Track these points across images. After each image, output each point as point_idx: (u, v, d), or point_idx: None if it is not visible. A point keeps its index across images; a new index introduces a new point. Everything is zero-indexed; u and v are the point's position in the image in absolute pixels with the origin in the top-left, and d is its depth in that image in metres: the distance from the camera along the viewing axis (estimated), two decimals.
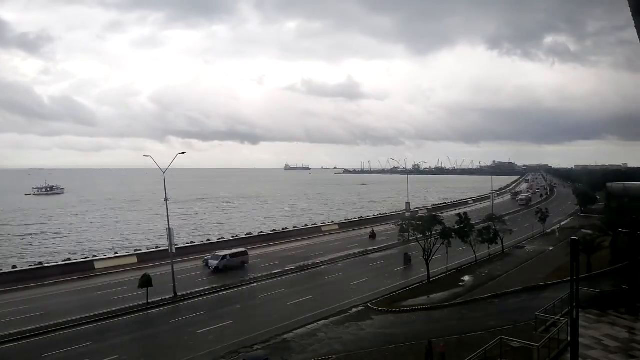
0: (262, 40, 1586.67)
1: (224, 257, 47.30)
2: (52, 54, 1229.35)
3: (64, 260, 51.08)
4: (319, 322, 31.37)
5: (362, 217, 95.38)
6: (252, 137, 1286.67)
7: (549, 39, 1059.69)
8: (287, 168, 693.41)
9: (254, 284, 41.81)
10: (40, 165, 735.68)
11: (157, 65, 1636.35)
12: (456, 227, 48.44)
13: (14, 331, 28.97)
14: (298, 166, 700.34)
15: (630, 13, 15.35)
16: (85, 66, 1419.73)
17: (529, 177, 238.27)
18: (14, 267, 48.62)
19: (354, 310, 34.39)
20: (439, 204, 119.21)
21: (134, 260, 51.02)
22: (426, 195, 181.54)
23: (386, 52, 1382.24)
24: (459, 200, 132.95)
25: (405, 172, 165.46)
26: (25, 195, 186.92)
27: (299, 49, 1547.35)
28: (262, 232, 74.31)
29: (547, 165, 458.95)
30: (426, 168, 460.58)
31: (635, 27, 16.43)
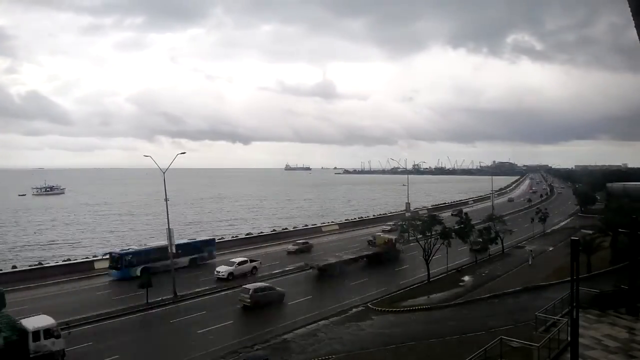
0: (240, 43, 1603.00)
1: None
2: (25, 53, 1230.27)
3: (64, 261, 51.10)
4: (319, 322, 31.40)
5: (362, 217, 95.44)
6: (243, 137, 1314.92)
7: (514, 37, 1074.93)
8: (288, 168, 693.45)
9: None
10: (38, 165, 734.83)
11: (138, 67, 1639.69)
12: (456, 227, 48.49)
13: None
14: (298, 166, 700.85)
15: (630, 13, 15.36)
16: (68, 68, 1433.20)
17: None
18: (14, 267, 48.67)
19: (354, 310, 34.41)
20: (439, 204, 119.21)
21: None
22: (425, 195, 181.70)
23: (365, 55, 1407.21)
24: (460, 201, 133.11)
25: (405, 172, 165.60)
26: (19, 195, 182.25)
27: (278, 51, 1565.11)
28: (262, 232, 74.36)
29: (547, 165, 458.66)
30: (426, 168, 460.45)
31: (635, 27, 16.43)
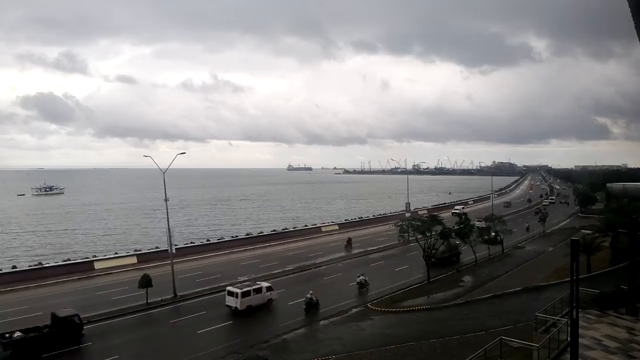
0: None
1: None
2: None
3: (64, 261, 51.00)
4: (319, 322, 31.41)
5: (362, 217, 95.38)
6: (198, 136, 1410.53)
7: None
8: (290, 168, 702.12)
9: None
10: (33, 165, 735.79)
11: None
12: (456, 227, 48.46)
13: None
14: (300, 167, 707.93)
15: (630, 13, 15.34)
16: None
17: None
18: (14, 267, 48.62)
19: (354, 310, 34.40)
20: (439, 205, 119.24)
21: (134, 260, 50.96)
22: (425, 195, 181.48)
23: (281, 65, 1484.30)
24: (459, 201, 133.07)
25: (405, 172, 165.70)
26: (18, 195, 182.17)
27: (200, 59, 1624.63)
28: (261, 232, 74.30)
29: (547, 165, 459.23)
30: (426, 168, 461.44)
31: (635, 27, 16.41)
